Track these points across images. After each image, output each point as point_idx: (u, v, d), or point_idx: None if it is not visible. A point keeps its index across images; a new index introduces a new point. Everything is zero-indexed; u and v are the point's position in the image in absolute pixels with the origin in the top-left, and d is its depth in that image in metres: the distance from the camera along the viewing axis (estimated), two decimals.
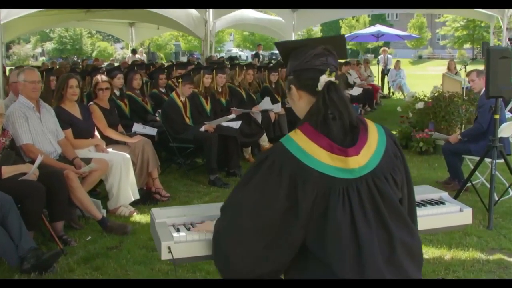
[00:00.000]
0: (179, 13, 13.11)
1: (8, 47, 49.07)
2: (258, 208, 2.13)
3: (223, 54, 55.80)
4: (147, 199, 6.47)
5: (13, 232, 4.43)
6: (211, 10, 13.51)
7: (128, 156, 6.13)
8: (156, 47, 53.12)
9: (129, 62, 14.93)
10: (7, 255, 4.41)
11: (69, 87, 5.95)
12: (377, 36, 20.28)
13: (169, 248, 2.52)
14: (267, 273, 2.20)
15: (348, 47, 54.82)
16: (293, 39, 18.38)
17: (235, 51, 59.30)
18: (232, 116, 8.19)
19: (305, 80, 2.21)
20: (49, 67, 10.28)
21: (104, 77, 6.78)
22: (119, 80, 7.75)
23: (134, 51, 21.57)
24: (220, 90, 8.75)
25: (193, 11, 13.41)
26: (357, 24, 48.37)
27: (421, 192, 3.27)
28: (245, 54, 58.40)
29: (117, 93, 7.77)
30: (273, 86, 10.39)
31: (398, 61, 18.92)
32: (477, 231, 5.47)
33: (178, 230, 2.65)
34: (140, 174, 6.49)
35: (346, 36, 22.61)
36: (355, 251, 2.05)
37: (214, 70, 8.59)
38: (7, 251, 4.40)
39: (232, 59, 15.19)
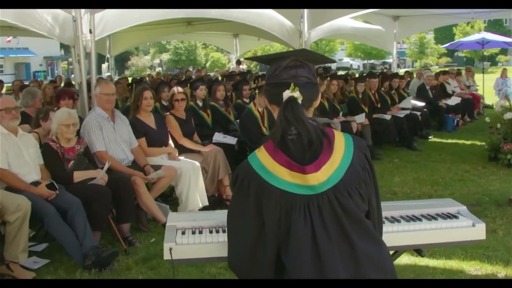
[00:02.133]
0: (273, 25, 13.34)
1: (127, 58, 52.10)
2: (238, 223, 2.27)
3: (334, 64, 55.75)
4: (217, 205, 6.74)
5: (79, 232, 4.90)
6: (305, 20, 13.63)
7: (197, 164, 6.44)
8: None
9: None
10: (73, 252, 4.90)
11: (144, 98, 6.38)
12: (482, 43, 19.42)
13: (170, 249, 2.73)
14: (261, 276, 2.28)
15: (462, 55, 53.33)
16: (394, 48, 18.14)
17: (346, 60, 59.01)
18: None
19: (273, 95, 2.24)
20: (138, 79, 10.90)
21: (180, 89, 7.16)
22: (201, 91, 8.13)
23: (238, 62, 22.24)
24: None
25: (287, 22, 13.60)
26: (471, 31, 46.44)
27: (441, 206, 3.25)
28: (356, 64, 57.95)
29: (200, 103, 8.15)
30: (360, 96, 10.38)
31: (504, 69, 18.06)
32: None
33: (183, 234, 2.86)
34: (211, 181, 6.78)
35: (449, 44, 21.72)
36: (316, 266, 2.10)
37: None
38: (72, 248, 4.89)
39: (326, 69, 15.20)
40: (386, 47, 18.83)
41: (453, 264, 4.88)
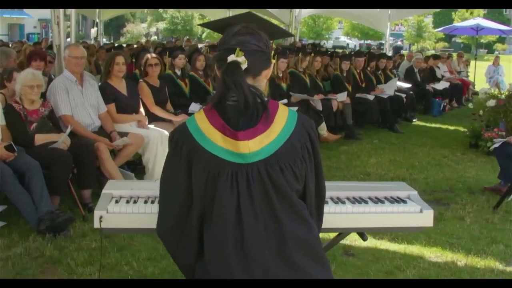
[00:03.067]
0: None
1: (122, 25, 51.49)
2: (168, 185, 2.21)
3: (331, 42, 55.42)
4: None
5: (35, 195, 4.81)
6: None
7: (166, 133, 6.31)
8: None
9: None
10: (28, 216, 4.82)
11: (116, 64, 6.23)
12: (477, 29, 19.18)
13: (100, 217, 2.63)
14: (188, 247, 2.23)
15: (459, 41, 52.93)
16: (387, 29, 17.92)
17: (343, 39, 58.64)
18: (284, 101, 8.19)
19: (220, 60, 2.15)
20: (117, 46, 10.75)
21: (153, 54, 7.05)
22: (180, 60, 7.98)
23: None
24: (281, 75, 8.80)
25: None
26: (470, 17, 45.92)
27: (392, 189, 3.14)
28: (353, 43, 57.57)
29: (178, 72, 8.01)
30: (344, 74, 10.26)
31: (497, 57, 17.94)
32: (508, 239, 5.13)
33: (117, 202, 2.77)
34: None
35: (443, 28, 21.44)
36: (238, 239, 2.04)
37: (276, 55, 8.62)
38: (28, 212, 4.81)
39: (315, 45, 15.05)
40: (380, 28, 18.64)
41: (414, 249, 4.81)
